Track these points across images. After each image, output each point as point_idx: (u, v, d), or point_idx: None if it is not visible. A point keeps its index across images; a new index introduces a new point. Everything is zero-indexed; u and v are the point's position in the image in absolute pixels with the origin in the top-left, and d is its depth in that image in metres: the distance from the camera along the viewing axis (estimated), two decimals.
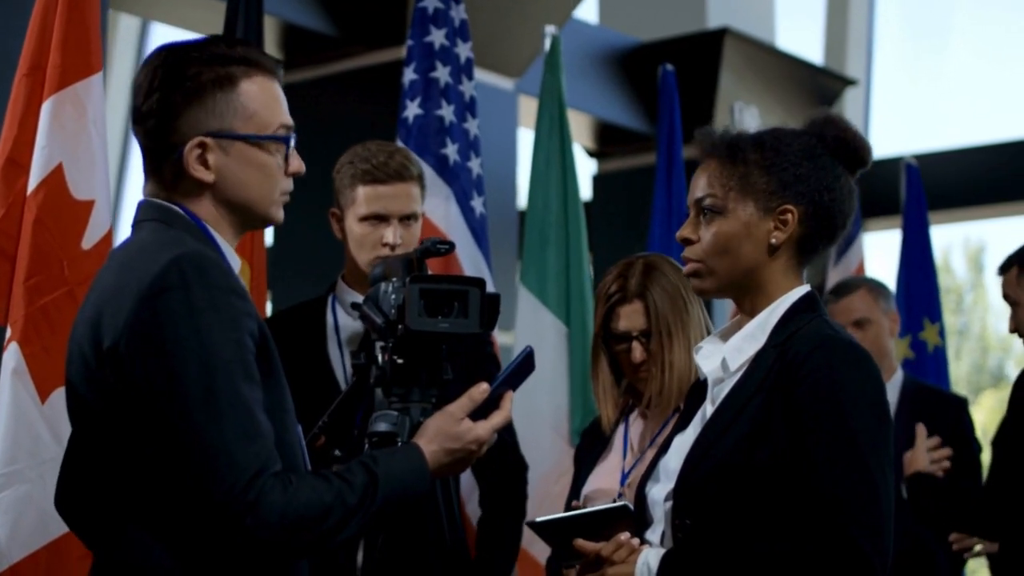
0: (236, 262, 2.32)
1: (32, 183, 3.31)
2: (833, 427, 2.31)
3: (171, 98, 2.22)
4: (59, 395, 3.21)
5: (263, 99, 2.27)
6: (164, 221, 2.25)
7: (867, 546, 2.26)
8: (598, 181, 9.10)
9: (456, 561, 3.44)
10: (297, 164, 2.33)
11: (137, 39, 11.08)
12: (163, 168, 2.26)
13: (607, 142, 8.81)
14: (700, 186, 2.51)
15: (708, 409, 2.51)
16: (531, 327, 4.74)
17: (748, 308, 2.52)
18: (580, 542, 2.46)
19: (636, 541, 2.43)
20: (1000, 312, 20.93)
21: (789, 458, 2.32)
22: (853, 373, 2.36)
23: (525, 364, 2.42)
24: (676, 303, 3.23)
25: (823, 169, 2.48)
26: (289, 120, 2.31)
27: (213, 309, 2.10)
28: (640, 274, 3.26)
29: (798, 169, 2.46)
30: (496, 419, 2.36)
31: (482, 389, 2.36)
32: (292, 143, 2.31)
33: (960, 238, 20.14)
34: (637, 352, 3.24)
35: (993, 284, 20.16)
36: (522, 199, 7.51)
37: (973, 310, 20.69)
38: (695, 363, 2.61)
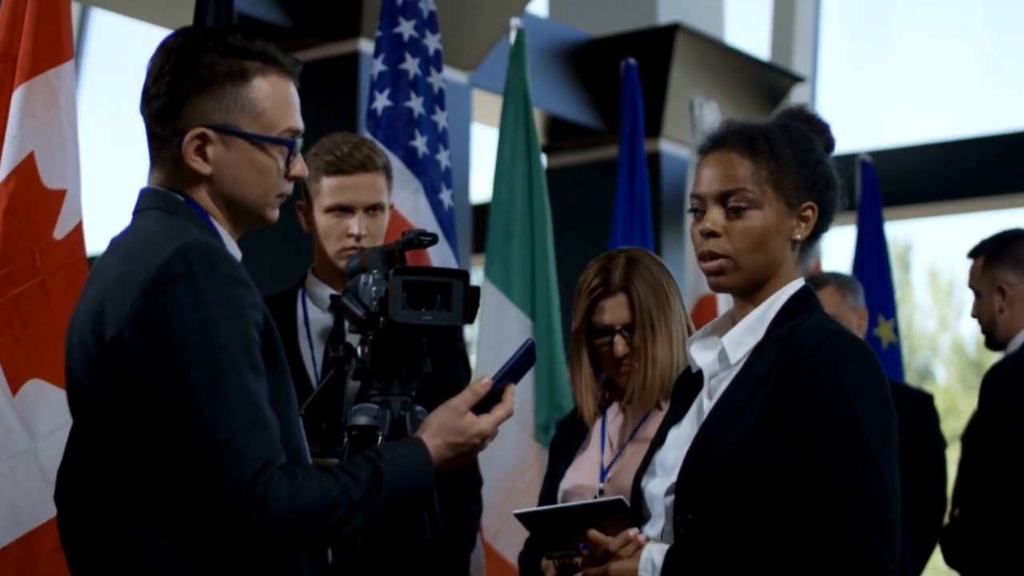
0: (237, 254, 2.29)
1: (3, 172, 3.24)
2: (839, 421, 2.31)
3: (181, 84, 2.19)
4: (31, 387, 3.17)
5: (274, 99, 2.24)
6: (167, 210, 2.22)
7: (876, 541, 2.25)
8: (548, 176, 9.07)
9: (437, 558, 3.41)
10: (300, 168, 2.30)
11: (78, 25, 10.95)
12: (164, 154, 2.24)
13: (556, 137, 8.80)
14: (728, 178, 2.46)
15: (706, 403, 2.50)
16: (496, 321, 4.72)
17: (753, 300, 2.51)
18: (594, 534, 2.46)
19: (643, 537, 2.42)
20: (927, 310, 21.17)
21: (795, 453, 2.32)
22: (858, 368, 2.36)
23: (526, 356, 2.40)
24: (659, 297, 3.20)
25: (828, 167, 2.53)
26: (298, 124, 2.28)
27: (219, 300, 2.08)
28: (623, 267, 3.22)
29: (816, 167, 2.49)
30: (499, 412, 2.35)
31: (484, 382, 2.34)
32: (298, 146, 2.29)
33: (888, 237, 20.19)
34: (620, 346, 3.20)
35: (920, 283, 20.39)
36: (475, 193, 7.49)
37: (900, 308, 20.78)
38: (688, 356, 2.60)
